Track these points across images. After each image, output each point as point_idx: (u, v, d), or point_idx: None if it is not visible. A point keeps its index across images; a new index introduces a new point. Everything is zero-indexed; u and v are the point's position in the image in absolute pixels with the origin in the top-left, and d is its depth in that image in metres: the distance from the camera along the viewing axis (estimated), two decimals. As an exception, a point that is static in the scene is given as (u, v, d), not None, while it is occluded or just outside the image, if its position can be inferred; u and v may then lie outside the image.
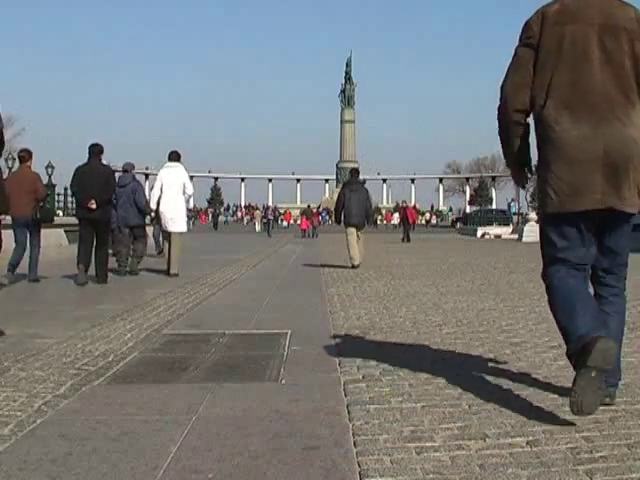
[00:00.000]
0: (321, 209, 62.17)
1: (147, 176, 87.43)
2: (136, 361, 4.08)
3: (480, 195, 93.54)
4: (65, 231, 19.22)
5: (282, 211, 65.78)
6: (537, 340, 4.67)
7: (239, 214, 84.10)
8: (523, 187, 3.28)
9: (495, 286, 8.82)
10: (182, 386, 3.46)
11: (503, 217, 48.18)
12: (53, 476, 2.23)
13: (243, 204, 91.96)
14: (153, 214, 11.02)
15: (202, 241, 22.47)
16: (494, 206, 75.70)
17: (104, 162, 9.92)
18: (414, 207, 62.51)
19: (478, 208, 69.94)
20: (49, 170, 34.46)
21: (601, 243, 2.95)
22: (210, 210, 73.97)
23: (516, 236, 28.64)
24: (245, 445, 2.51)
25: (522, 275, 10.30)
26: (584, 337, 2.64)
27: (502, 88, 3.02)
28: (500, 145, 3.12)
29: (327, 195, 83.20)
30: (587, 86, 2.84)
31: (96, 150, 9.42)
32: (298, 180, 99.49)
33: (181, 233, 10.55)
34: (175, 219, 10.35)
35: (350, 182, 12.94)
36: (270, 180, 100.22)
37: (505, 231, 36.07)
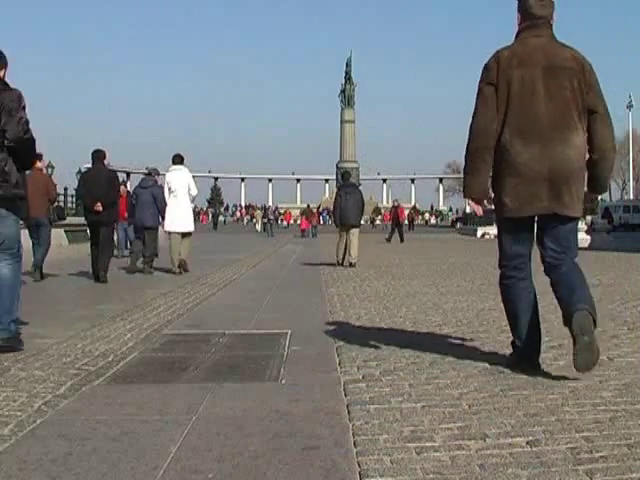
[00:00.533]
0: (321, 209, 62.14)
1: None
2: (136, 361, 4.08)
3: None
4: (65, 231, 19.20)
5: (282, 211, 65.82)
6: (537, 340, 4.66)
7: (238, 214, 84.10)
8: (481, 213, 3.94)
9: (495, 286, 8.79)
10: (182, 386, 3.46)
11: (503, 217, 48.04)
12: (53, 476, 2.23)
13: (243, 204, 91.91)
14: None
15: (202, 241, 22.45)
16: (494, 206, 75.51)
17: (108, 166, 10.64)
18: (414, 207, 62.48)
19: (478, 208, 69.65)
20: (49, 170, 34.47)
21: (552, 238, 3.62)
22: (210, 210, 73.94)
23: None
24: (245, 445, 2.51)
25: (522, 275, 10.29)
26: (525, 341, 3.73)
27: (476, 122, 3.61)
28: (466, 177, 3.73)
29: (327, 195, 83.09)
30: (534, 117, 3.51)
31: (100, 155, 9.93)
32: (298, 180, 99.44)
33: (190, 232, 11.04)
34: (183, 220, 10.86)
35: (345, 185, 13.30)
36: (270, 180, 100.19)
37: (505, 231, 35.93)
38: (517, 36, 3.72)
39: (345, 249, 12.73)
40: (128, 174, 66.32)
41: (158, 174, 11.83)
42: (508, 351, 4.27)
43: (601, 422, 2.76)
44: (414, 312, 6.24)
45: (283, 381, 3.55)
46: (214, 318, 5.91)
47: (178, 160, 11.03)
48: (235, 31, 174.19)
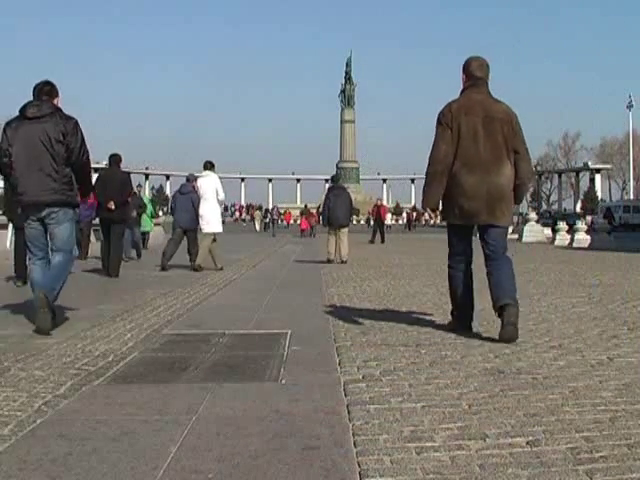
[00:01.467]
0: (321, 209, 62.06)
1: (147, 176, 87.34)
2: (136, 361, 4.08)
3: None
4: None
5: (282, 211, 65.79)
6: (537, 340, 4.68)
7: (237, 214, 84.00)
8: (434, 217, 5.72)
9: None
10: (182, 386, 3.46)
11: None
12: (53, 476, 2.23)
13: (244, 204, 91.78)
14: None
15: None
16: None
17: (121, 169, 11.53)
18: (414, 207, 62.42)
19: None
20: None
21: (488, 242, 4.92)
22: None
23: (516, 236, 28.58)
24: (245, 445, 2.51)
25: (522, 276, 10.26)
26: (461, 312, 5.07)
27: (435, 153, 4.81)
28: (424, 192, 4.94)
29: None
30: (476, 153, 4.75)
31: (116, 159, 11.07)
32: (298, 180, 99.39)
33: (215, 233, 11.67)
34: (210, 221, 11.60)
35: (334, 187, 14.60)
36: (270, 180, 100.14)
37: (505, 231, 35.91)
38: (462, 92, 4.94)
39: (336, 246, 13.81)
40: (128, 174, 66.23)
41: (195, 179, 12.39)
42: (508, 351, 4.30)
43: (601, 422, 2.76)
44: (414, 312, 6.23)
45: (283, 381, 3.55)
46: (214, 318, 5.91)
47: (208, 166, 11.89)
48: (235, 31, 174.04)
